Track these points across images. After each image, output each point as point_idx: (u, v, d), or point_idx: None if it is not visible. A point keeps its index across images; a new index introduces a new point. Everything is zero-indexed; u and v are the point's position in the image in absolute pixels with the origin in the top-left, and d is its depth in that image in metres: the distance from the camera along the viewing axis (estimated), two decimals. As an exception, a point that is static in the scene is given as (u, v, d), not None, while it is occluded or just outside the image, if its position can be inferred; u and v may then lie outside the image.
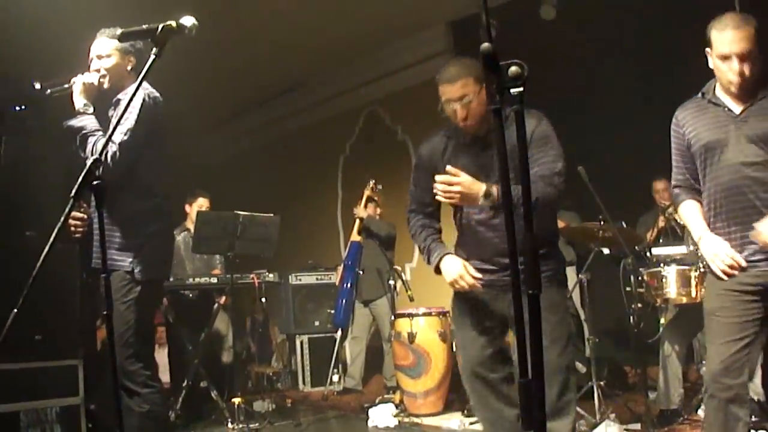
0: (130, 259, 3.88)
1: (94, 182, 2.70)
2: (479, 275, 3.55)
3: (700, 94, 3.57)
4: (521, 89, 1.87)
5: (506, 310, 3.62)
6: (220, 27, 7.82)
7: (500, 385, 3.70)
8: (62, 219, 2.67)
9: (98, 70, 4.00)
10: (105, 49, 4.02)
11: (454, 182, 3.31)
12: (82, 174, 2.69)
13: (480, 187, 3.32)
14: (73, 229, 4.03)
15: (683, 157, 3.63)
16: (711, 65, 3.45)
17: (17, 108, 4.11)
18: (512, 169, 2.90)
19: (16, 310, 2.70)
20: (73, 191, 2.68)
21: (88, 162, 2.70)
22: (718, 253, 3.34)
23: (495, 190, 3.30)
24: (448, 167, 3.38)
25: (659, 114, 6.98)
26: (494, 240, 3.62)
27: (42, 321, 6.09)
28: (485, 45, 1.88)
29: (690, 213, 3.62)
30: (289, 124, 12.04)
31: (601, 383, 5.75)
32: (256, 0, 8.15)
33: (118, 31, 3.92)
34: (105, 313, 2.83)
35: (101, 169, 3.10)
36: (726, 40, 3.28)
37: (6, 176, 6.48)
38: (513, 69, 1.89)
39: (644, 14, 7.34)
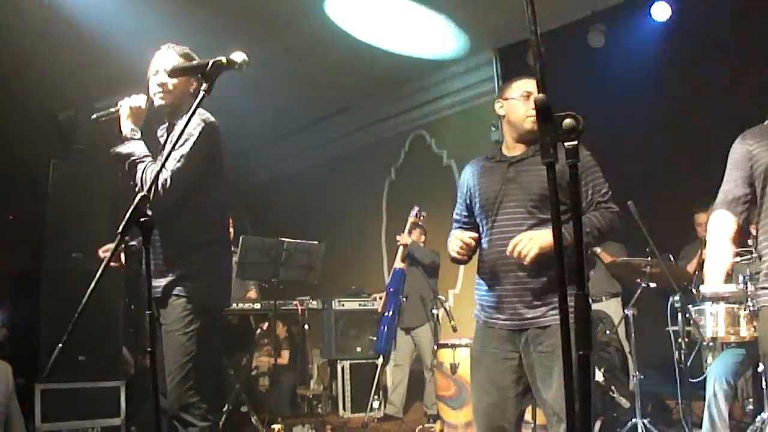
0: (191, 285, 3.69)
1: (142, 219, 2.65)
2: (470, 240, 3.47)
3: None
4: (576, 143, 1.81)
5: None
6: (269, 49, 7.89)
7: (511, 425, 3.49)
8: (109, 256, 2.65)
9: (163, 84, 3.77)
10: (169, 64, 3.74)
11: (516, 241, 3.26)
12: (130, 210, 2.64)
13: (546, 233, 3.22)
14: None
15: (740, 171, 3.48)
16: None
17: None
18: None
19: (61, 345, 2.67)
20: (120, 228, 2.63)
21: (136, 199, 2.65)
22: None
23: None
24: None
25: (705, 146, 6.94)
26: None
27: (86, 343, 6.16)
28: (540, 96, 1.84)
29: (716, 232, 3.50)
30: (335, 148, 12.03)
31: (645, 421, 5.64)
32: (305, 24, 8.19)
33: (187, 50, 3.85)
34: (149, 350, 2.77)
35: (153, 197, 3.04)
36: None
37: (54, 199, 6.55)
38: (568, 121, 1.81)
39: (692, 46, 7.26)
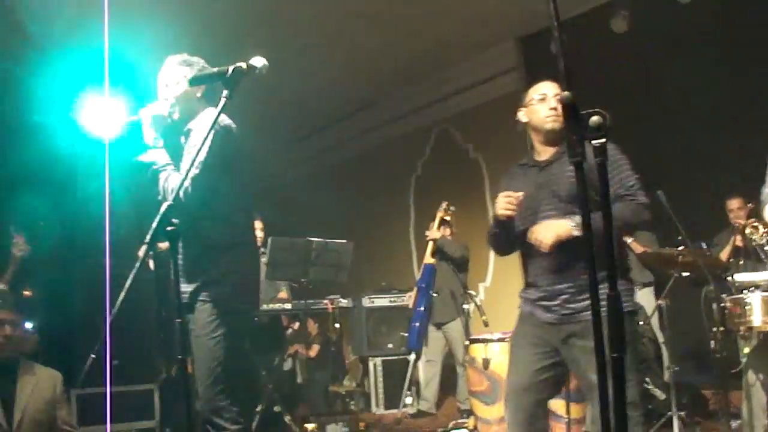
0: (216, 290, 3.72)
1: (168, 228, 2.66)
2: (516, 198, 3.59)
3: None
4: (603, 140, 1.78)
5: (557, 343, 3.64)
6: (289, 48, 7.89)
7: (539, 407, 3.72)
8: (138, 264, 2.66)
9: (167, 99, 3.88)
10: (173, 76, 3.90)
11: (535, 230, 3.46)
12: (156, 220, 2.65)
13: (562, 222, 3.41)
14: None
15: None
16: None
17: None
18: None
19: (93, 355, 2.69)
20: (148, 237, 2.65)
21: (162, 208, 2.66)
22: None
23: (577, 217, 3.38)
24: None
25: (734, 131, 6.84)
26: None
27: (119, 347, 6.19)
28: (566, 93, 1.81)
29: None
30: (360, 145, 12.00)
31: (682, 413, 5.58)
32: (325, 21, 8.19)
33: (186, 56, 3.91)
34: (180, 356, 2.77)
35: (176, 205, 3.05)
36: None
37: (82, 209, 6.60)
38: (594, 119, 1.80)
39: (718, 29, 7.16)
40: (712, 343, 5.54)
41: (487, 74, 9.75)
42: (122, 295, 2.62)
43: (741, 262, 6.61)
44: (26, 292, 7.21)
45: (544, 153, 3.71)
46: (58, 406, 4.80)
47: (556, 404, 4.83)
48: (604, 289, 1.93)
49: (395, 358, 8.77)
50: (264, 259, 6.60)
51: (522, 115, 3.79)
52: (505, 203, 3.56)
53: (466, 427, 6.81)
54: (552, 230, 3.39)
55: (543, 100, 3.67)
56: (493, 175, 9.61)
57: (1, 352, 4.55)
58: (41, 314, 7.58)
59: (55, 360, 6.43)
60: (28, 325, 5.90)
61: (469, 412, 6.96)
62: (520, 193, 3.54)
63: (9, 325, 4.56)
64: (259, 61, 2.98)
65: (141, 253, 2.94)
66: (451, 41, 9.09)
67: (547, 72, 3.61)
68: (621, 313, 1.77)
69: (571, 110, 1.79)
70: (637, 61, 7.75)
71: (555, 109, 3.62)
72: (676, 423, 5.47)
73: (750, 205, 6.60)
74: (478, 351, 6.38)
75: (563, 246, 3.40)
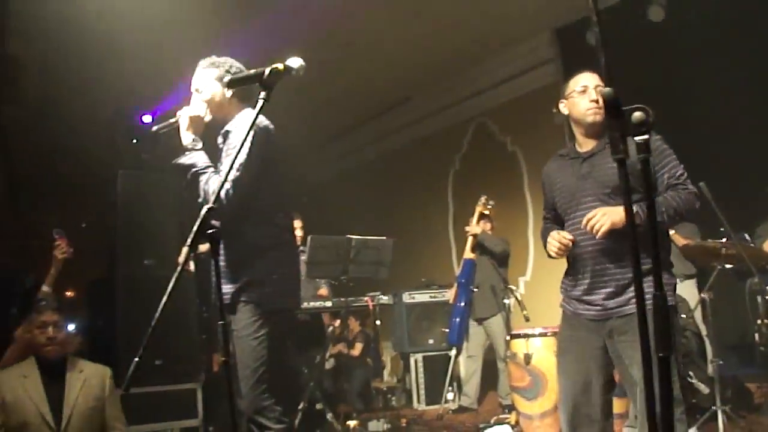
0: (258, 291, 3.73)
1: (209, 231, 2.66)
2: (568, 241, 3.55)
3: None
4: (647, 137, 1.75)
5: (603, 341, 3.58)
6: (326, 45, 7.88)
7: (593, 409, 3.63)
8: (179, 268, 2.65)
9: (202, 101, 3.89)
10: (203, 80, 3.92)
11: (590, 216, 3.37)
12: (197, 223, 2.65)
13: (619, 209, 3.34)
14: None
15: None
16: None
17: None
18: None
19: (137, 359, 2.70)
20: (189, 240, 2.64)
21: (203, 211, 2.66)
22: None
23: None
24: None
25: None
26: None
27: (162, 347, 6.27)
28: (607, 90, 1.78)
29: None
30: (397, 140, 12.00)
31: (726, 408, 5.51)
32: (362, 18, 8.18)
33: (214, 58, 3.93)
34: (223, 359, 2.79)
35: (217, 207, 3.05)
36: None
37: (123, 208, 6.65)
38: (637, 114, 1.77)
39: (759, 14, 7.03)
40: (757, 336, 5.48)
41: (524, 66, 9.68)
42: (165, 298, 2.63)
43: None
44: (69, 293, 7.30)
45: (586, 145, 3.68)
46: (107, 401, 4.78)
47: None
48: (647, 284, 1.91)
49: (436, 353, 8.75)
50: (303, 258, 6.62)
51: (563, 107, 3.75)
52: (557, 248, 3.57)
53: (507, 423, 6.77)
54: (609, 217, 3.33)
55: (584, 92, 3.63)
56: (531, 168, 9.56)
57: (46, 354, 4.57)
58: (84, 316, 7.69)
59: (98, 361, 6.54)
60: (71, 327, 5.95)
61: (511, 408, 6.94)
62: (570, 239, 3.54)
63: (52, 327, 4.58)
64: (296, 62, 2.97)
65: (182, 255, 2.94)
66: (487, 34, 9.04)
67: (584, 63, 3.60)
68: (667, 314, 1.72)
69: (613, 107, 1.76)
70: (675, 49, 7.63)
71: (596, 101, 3.58)
72: (720, 417, 5.39)
73: (794, 193, 6.50)
74: (519, 346, 6.35)
75: (614, 235, 3.36)
